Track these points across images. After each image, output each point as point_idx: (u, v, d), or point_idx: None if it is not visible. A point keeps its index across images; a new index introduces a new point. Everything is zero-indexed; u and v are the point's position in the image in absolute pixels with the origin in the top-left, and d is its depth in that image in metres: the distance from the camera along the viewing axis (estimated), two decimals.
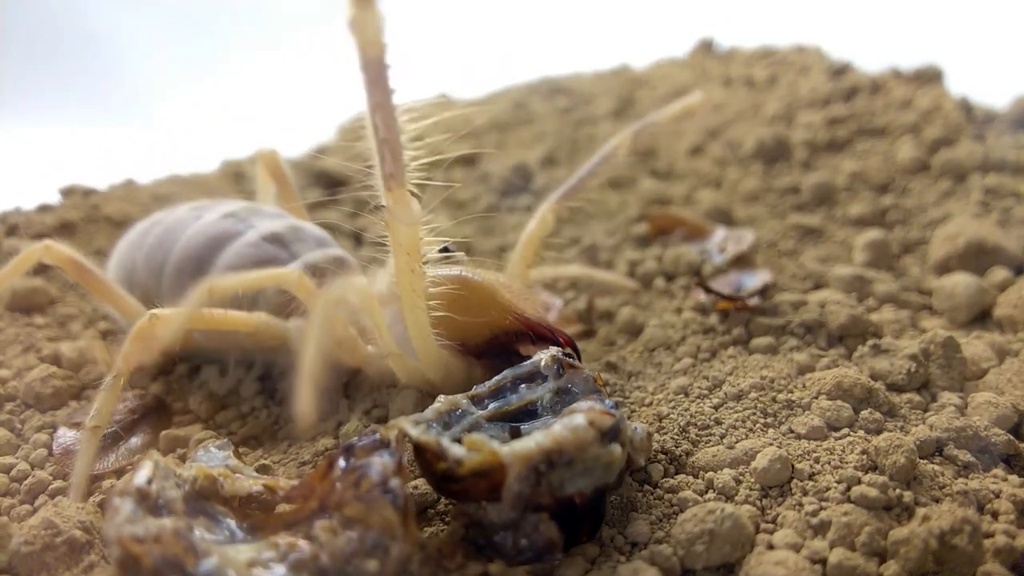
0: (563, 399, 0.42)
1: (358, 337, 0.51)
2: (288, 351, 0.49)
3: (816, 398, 0.47)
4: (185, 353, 0.55)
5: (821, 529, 0.39)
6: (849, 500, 0.40)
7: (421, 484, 0.43)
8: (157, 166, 0.71)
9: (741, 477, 0.42)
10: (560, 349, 0.44)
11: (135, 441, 0.50)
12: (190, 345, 0.54)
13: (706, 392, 0.49)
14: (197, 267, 0.53)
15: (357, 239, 0.72)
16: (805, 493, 0.41)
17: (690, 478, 0.43)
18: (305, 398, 0.36)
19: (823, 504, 0.40)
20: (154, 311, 0.44)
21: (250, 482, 0.39)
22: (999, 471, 0.42)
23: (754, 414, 0.47)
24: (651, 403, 0.49)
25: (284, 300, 0.51)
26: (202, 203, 0.58)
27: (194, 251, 0.53)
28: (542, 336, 0.46)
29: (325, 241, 0.56)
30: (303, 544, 0.35)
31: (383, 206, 0.41)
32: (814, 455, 0.43)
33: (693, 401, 0.48)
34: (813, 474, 0.42)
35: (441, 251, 0.48)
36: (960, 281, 0.57)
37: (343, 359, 0.51)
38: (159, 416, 0.52)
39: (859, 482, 0.40)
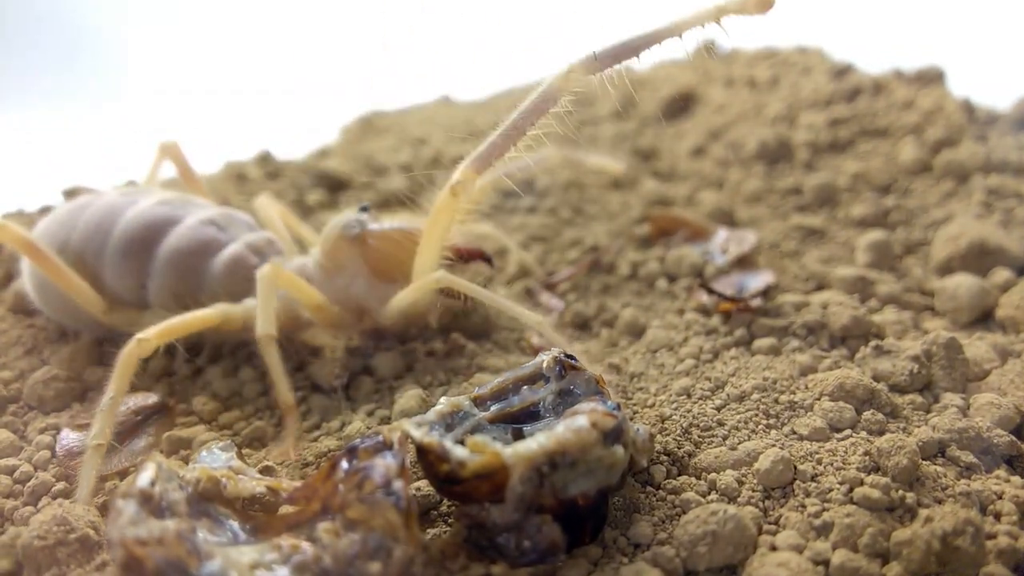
0: (565, 400, 0.42)
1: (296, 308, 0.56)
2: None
3: (818, 399, 0.47)
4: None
5: (824, 530, 0.39)
6: (852, 501, 0.40)
7: (424, 486, 0.43)
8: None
9: (744, 478, 0.42)
10: (562, 351, 0.44)
11: (139, 443, 0.50)
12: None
13: (708, 393, 0.49)
14: (143, 248, 0.55)
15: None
16: (808, 494, 0.41)
17: (692, 479, 0.43)
18: (282, 387, 0.49)
19: (826, 505, 0.40)
20: (139, 335, 0.48)
21: (253, 483, 0.39)
22: (1001, 472, 0.42)
23: (756, 415, 0.47)
24: (653, 404, 0.49)
25: (231, 280, 0.56)
26: (128, 189, 0.61)
27: (138, 234, 0.56)
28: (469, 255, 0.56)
29: (254, 225, 0.61)
30: (306, 546, 0.35)
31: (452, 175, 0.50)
32: (816, 456, 0.43)
33: (695, 402, 0.48)
34: (815, 475, 0.42)
35: (362, 209, 0.58)
36: (962, 282, 0.57)
37: (293, 329, 0.57)
38: (162, 418, 0.52)
39: (862, 483, 0.40)
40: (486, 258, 0.57)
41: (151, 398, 0.53)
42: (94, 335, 0.58)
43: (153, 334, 0.48)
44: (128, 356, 0.47)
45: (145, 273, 0.55)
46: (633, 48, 0.47)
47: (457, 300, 0.54)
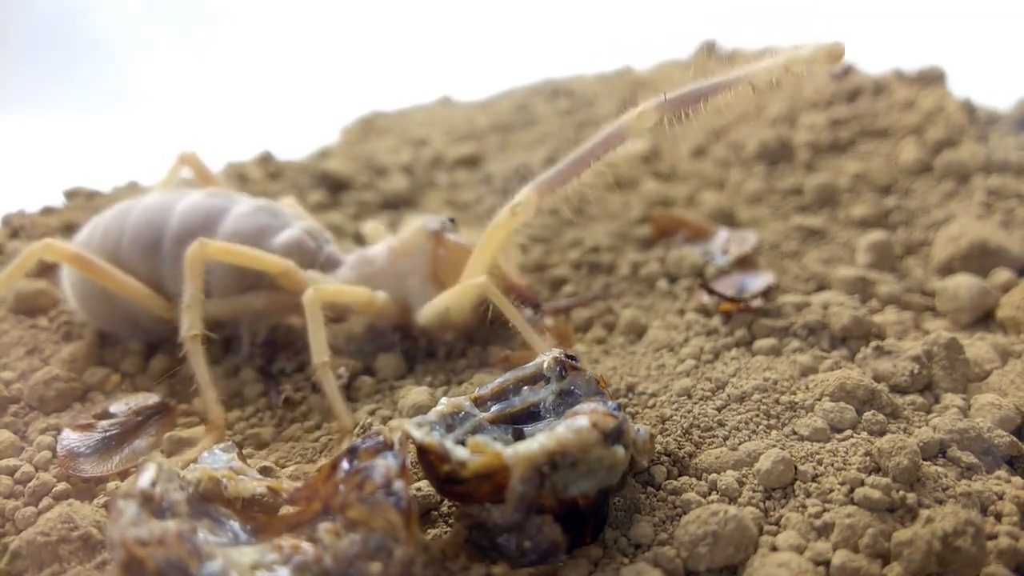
0: (566, 401, 0.42)
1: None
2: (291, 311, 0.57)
3: (819, 400, 0.47)
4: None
5: (824, 531, 0.39)
6: (852, 502, 0.40)
7: (424, 486, 0.43)
8: (161, 168, 0.71)
9: (744, 479, 0.42)
10: (562, 351, 0.44)
11: (139, 443, 0.50)
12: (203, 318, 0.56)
13: (709, 394, 0.49)
14: (200, 234, 0.55)
15: (358, 240, 0.72)
16: (808, 495, 0.41)
17: (693, 480, 0.43)
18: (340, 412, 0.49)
19: (826, 506, 0.40)
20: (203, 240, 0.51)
21: (254, 484, 0.39)
22: (1002, 473, 0.42)
23: (757, 416, 0.47)
24: (654, 405, 0.49)
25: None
26: (173, 192, 0.61)
27: (194, 225, 0.56)
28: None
29: (296, 215, 0.61)
30: (306, 546, 0.35)
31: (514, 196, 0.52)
32: (817, 457, 0.43)
33: (696, 403, 0.48)
34: (816, 476, 0.42)
35: (450, 220, 0.59)
36: (963, 282, 0.57)
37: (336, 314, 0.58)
38: (163, 418, 0.52)
39: (862, 484, 0.40)
40: (535, 305, 0.58)
41: (152, 398, 0.53)
42: (147, 339, 0.59)
43: (215, 248, 0.51)
44: (195, 258, 0.50)
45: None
46: (702, 95, 0.50)
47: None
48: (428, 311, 0.56)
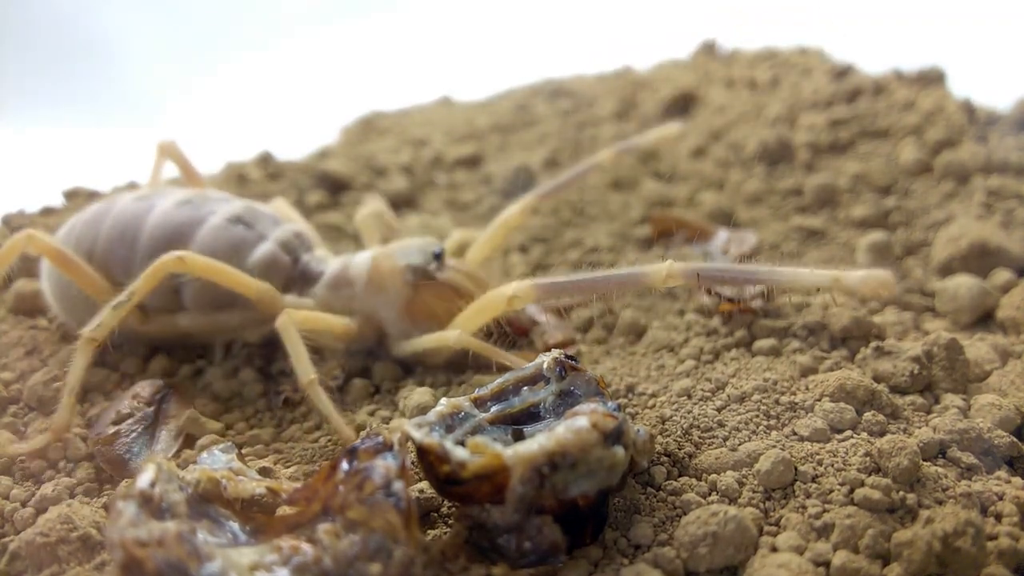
0: (566, 401, 0.42)
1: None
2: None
3: (819, 400, 0.47)
4: (170, 343, 0.57)
5: (824, 531, 0.39)
6: (852, 502, 0.40)
7: (425, 487, 0.43)
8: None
9: (744, 479, 0.42)
10: (562, 351, 0.44)
11: (170, 425, 0.50)
12: (176, 332, 0.56)
13: (709, 394, 0.49)
14: (172, 247, 0.54)
15: (358, 241, 0.72)
16: (808, 495, 0.41)
17: (693, 480, 0.43)
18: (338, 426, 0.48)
19: (826, 506, 0.40)
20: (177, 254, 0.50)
21: (253, 484, 0.39)
22: (1002, 473, 0.42)
23: (757, 416, 0.47)
24: (654, 405, 0.49)
25: (266, 279, 0.55)
26: (142, 192, 0.59)
27: (167, 237, 0.55)
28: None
29: (278, 218, 0.60)
30: (306, 547, 0.35)
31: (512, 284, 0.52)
32: (817, 457, 0.43)
33: (696, 403, 0.48)
34: (816, 476, 0.42)
35: (436, 256, 0.57)
36: (963, 283, 0.57)
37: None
38: (175, 396, 0.53)
39: (862, 484, 0.40)
40: (525, 333, 0.59)
41: (154, 383, 0.53)
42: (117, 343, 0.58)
43: (188, 256, 0.50)
44: (161, 268, 0.50)
45: (178, 278, 0.54)
46: (736, 280, 0.50)
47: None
48: (403, 348, 0.55)
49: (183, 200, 0.57)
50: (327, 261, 0.59)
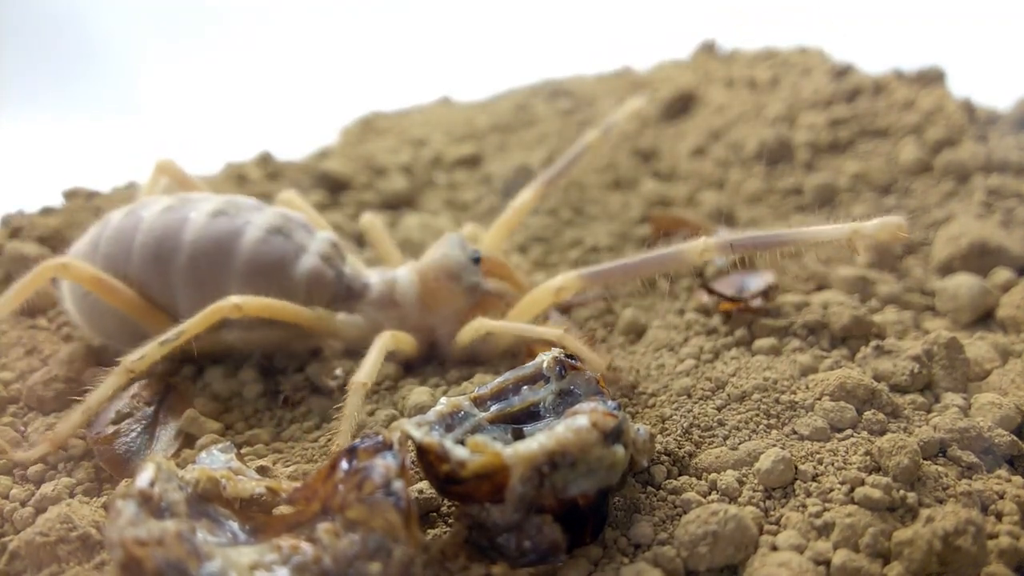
0: (566, 400, 0.42)
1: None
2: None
3: (819, 399, 0.47)
4: (209, 352, 0.56)
5: (825, 530, 0.38)
6: (853, 501, 0.40)
7: (424, 487, 0.43)
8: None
9: (744, 478, 0.42)
10: (562, 351, 0.44)
11: (169, 424, 0.50)
12: (222, 346, 0.56)
13: (709, 393, 0.49)
14: (213, 272, 0.53)
15: (359, 241, 0.72)
16: (808, 494, 0.41)
17: (693, 479, 0.43)
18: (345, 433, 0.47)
19: (827, 505, 0.40)
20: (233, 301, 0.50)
21: (253, 484, 0.39)
22: (1003, 472, 0.42)
23: (757, 415, 0.47)
24: (654, 404, 0.49)
25: (310, 292, 0.56)
26: (168, 202, 0.56)
27: (207, 254, 0.53)
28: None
29: (310, 225, 0.59)
30: (305, 546, 0.35)
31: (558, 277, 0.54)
32: (817, 456, 0.43)
33: (696, 402, 0.48)
34: (816, 475, 0.42)
35: (474, 260, 0.58)
36: (963, 282, 0.57)
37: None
38: (173, 395, 0.53)
39: (863, 483, 0.40)
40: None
41: (154, 383, 0.53)
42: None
43: (245, 303, 0.50)
44: (217, 311, 0.49)
45: (222, 293, 0.52)
46: (766, 245, 0.51)
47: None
48: (455, 349, 0.57)
49: (216, 211, 0.55)
50: (365, 274, 0.59)
